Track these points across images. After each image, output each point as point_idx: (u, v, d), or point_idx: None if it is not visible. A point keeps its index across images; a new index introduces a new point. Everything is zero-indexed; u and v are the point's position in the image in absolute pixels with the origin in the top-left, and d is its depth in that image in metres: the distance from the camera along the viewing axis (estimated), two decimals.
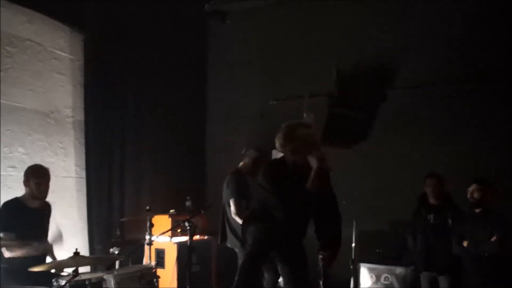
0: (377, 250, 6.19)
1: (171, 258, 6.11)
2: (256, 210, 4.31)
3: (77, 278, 3.79)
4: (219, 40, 8.10)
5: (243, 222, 4.51)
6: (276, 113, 6.98)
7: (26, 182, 4.64)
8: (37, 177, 4.66)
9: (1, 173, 4.90)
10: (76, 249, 3.89)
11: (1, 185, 5.07)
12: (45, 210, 4.87)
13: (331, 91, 6.70)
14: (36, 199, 4.68)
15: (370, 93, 6.83)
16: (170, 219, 6.25)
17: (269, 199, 4.08)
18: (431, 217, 5.41)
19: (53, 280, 4.24)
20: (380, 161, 6.66)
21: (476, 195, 5.15)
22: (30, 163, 5.24)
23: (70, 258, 3.85)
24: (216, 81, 8.15)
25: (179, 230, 5.82)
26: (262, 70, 7.66)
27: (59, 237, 4.82)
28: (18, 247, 4.39)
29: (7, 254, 4.29)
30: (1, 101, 5.20)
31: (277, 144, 4.15)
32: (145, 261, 5.91)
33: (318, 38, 7.15)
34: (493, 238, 4.91)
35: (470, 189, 5.20)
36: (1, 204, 4.54)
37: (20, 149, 5.40)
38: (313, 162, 3.98)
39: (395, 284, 5.88)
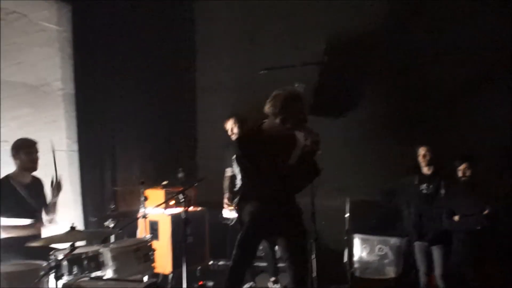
0: (371, 221, 6.23)
1: (165, 230, 6.13)
2: (244, 186, 4.30)
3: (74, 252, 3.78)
4: (207, 9, 7.98)
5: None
6: (267, 83, 6.94)
7: (16, 155, 4.64)
8: (27, 147, 4.69)
9: None
10: (73, 223, 3.89)
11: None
12: (37, 185, 4.87)
13: (322, 59, 6.66)
14: (28, 171, 4.70)
15: (360, 61, 6.79)
16: (163, 191, 6.26)
17: (247, 172, 4.09)
18: (423, 186, 5.46)
19: (50, 254, 4.27)
20: (372, 130, 6.64)
21: (467, 172, 5.24)
22: (22, 136, 5.21)
23: (67, 232, 3.85)
24: (205, 52, 8.07)
25: (173, 202, 5.86)
26: (252, 40, 7.58)
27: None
28: (13, 228, 4.40)
29: (3, 234, 4.29)
30: None
31: (268, 110, 4.07)
32: (140, 233, 5.94)
33: (309, 6, 7.05)
34: (485, 212, 5.00)
35: (461, 167, 5.27)
36: None
37: (10, 123, 5.34)
38: (301, 137, 3.96)
39: (390, 254, 5.94)
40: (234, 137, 6.05)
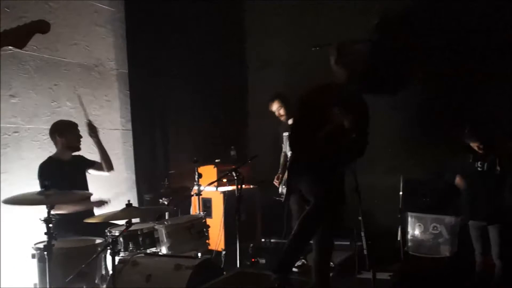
0: (425, 199, 6.10)
1: (218, 207, 6.20)
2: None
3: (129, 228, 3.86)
4: None
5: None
6: (318, 60, 6.86)
7: (60, 135, 4.74)
8: (71, 127, 4.81)
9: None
10: (129, 200, 3.96)
11: None
12: (80, 161, 4.98)
13: (372, 37, 6.51)
14: (71, 149, 4.81)
15: (413, 39, 6.61)
16: (215, 169, 6.31)
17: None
18: (478, 164, 5.30)
19: (106, 230, 4.38)
20: (424, 108, 6.47)
21: None
22: (77, 116, 5.34)
23: (123, 209, 3.93)
24: (255, 30, 8.02)
25: (225, 180, 5.90)
26: (301, 16, 7.48)
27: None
28: (65, 205, 4.52)
29: (56, 211, 4.41)
30: (48, 56, 5.27)
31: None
32: (193, 211, 6.02)
33: None
34: None
35: None
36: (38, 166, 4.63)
37: (67, 103, 5.48)
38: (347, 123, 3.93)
39: (444, 233, 5.82)
40: (282, 119, 6.00)
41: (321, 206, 4.08)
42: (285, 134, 5.97)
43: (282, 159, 6.24)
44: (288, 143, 5.68)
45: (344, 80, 4.04)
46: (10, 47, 2.24)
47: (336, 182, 4.20)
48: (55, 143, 4.77)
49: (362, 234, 4.76)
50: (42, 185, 4.09)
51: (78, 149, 4.86)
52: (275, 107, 6.06)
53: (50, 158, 4.73)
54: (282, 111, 6.01)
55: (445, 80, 6.35)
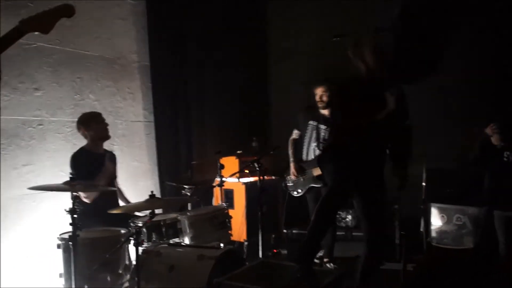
0: (449, 190, 6.04)
1: (240, 198, 6.22)
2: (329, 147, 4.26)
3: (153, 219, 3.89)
4: None
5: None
6: (340, 49, 6.80)
7: (87, 127, 4.77)
8: (95, 117, 4.83)
9: (75, 119, 5.04)
10: (152, 191, 3.99)
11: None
12: (110, 156, 5.02)
13: (396, 25, 6.43)
14: (101, 140, 4.85)
15: (438, 27, 6.52)
16: (237, 160, 6.33)
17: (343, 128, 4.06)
18: (505, 154, 5.23)
19: (130, 221, 4.43)
20: (450, 96, 6.41)
21: None
22: (100, 109, 5.42)
23: (146, 200, 3.96)
24: (277, 19, 8.00)
25: (247, 171, 5.91)
26: (324, 5, 7.43)
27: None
28: (95, 193, 4.58)
29: (86, 200, 4.47)
30: (71, 50, 5.32)
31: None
32: (215, 202, 6.05)
33: None
34: None
35: None
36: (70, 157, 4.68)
37: (90, 95, 5.54)
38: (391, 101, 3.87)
39: (468, 224, 5.76)
40: (321, 105, 5.64)
41: (335, 191, 4.06)
42: (312, 122, 5.69)
43: (292, 148, 5.91)
44: (321, 132, 5.60)
45: (365, 72, 3.98)
46: (36, 32, 2.25)
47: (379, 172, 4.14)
48: (85, 137, 4.82)
49: (396, 224, 4.67)
50: (75, 174, 4.19)
51: (107, 137, 4.89)
52: (320, 91, 5.65)
53: (82, 148, 4.78)
54: (325, 98, 5.63)
55: (475, 68, 6.28)
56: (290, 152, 5.88)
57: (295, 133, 5.91)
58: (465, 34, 6.18)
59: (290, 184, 5.92)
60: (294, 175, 5.81)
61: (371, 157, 3.98)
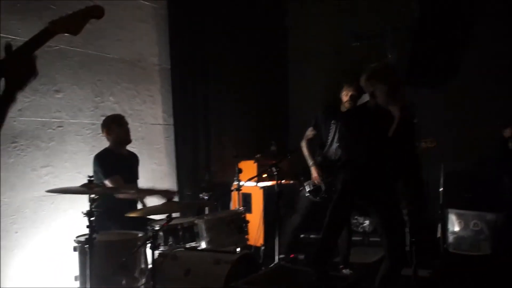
0: (466, 195, 5.95)
1: (257, 202, 6.21)
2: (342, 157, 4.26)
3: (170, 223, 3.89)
4: None
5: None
6: (359, 51, 6.77)
7: (109, 130, 4.84)
8: (117, 120, 4.89)
9: (95, 121, 5.08)
10: None
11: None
12: (133, 157, 5.08)
13: (414, 26, 6.36)
14: (123, 143, 4.90)
15: (457, 28, 6.43)
16: (255, 164, 6.32)
17: (349, 147, 4.02)
18: None
19: (147, 224, 4.44)
20: (468, 100, 6.30)
21: None
22: (120, 111, 5.43)
23: (163, 204, 3.97)
24: (297, 22, 7.99)
25: (265, 175, 5.88)
26: (343, 7, 7.40)
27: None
28: (125, 189, 4.61)
29: (118, 195, 4.53)
30: (92, 52, 5.35)
31: (362, 84, 3.93)
32: (233, 206, 6.04)
33: None
34: None
35: None
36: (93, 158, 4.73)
37: (110, 98, 5.56)
38: (396, 111, 3.82)
39: (485, 230, 5.67)
40: (346, 104, 5.35)
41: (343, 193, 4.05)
42: (334, 122, 5.39)
43: (308, 149, 5.59)
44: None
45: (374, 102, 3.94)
46: (66, 34, 2.26)
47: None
48: (108, 140, 4.88)
49: (407, 230, 4.62)
50: (104, 173, 4.44)
51: (128, 141, 4.94)
52: (351, 90, 5.32)
53: (106, 149, 4.85)
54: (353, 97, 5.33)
55: (493, 70, 6.20)
56: (306, 153, 5.54)
57: (311, 133, 5.62)
58: (484, 36, 6.14)
59: (311, 188, 5.55)
60: (317, 180, 5.47)
61: (383, 171, 3.92)
